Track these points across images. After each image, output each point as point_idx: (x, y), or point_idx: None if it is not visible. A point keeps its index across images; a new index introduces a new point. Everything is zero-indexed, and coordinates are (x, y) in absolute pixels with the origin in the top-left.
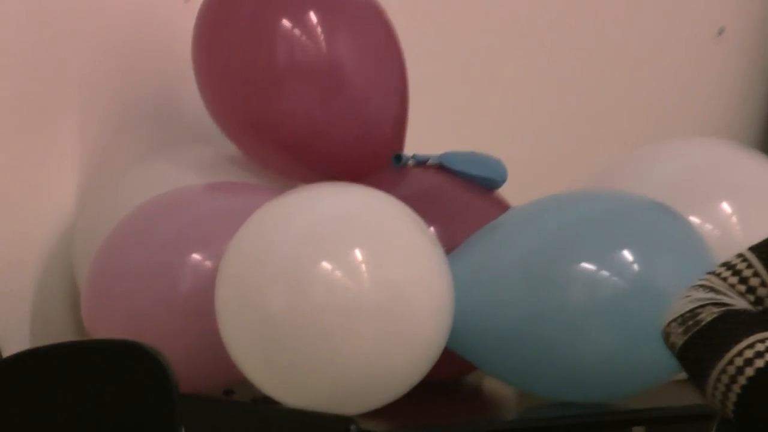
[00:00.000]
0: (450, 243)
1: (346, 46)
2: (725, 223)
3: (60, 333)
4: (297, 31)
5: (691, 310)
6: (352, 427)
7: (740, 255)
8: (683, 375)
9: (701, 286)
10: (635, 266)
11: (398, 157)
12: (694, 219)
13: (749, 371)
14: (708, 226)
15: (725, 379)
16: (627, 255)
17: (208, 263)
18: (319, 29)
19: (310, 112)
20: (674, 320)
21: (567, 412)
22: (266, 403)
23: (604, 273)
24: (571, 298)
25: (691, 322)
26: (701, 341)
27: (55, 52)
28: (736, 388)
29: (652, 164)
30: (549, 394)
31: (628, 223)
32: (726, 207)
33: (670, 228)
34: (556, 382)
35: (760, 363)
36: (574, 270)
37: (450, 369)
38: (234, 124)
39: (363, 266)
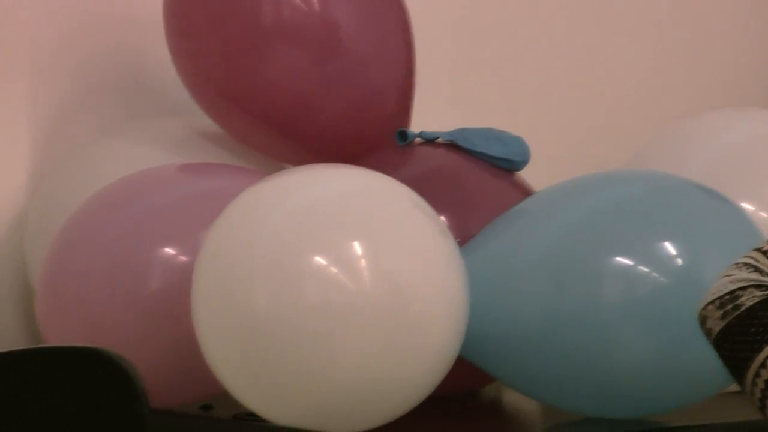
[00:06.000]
0: (463, 233)
1: (341, 2)
2: None
3: (10, 337)
4: None
5: (731, 292)
6: None
7: None
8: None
9: (745, 264)
10: (678, 259)
11: (403, 134)
12: (744, 204)
13: None
14: (762, 214)
15: (765, 374)
16: (669, 246)
17: (181, 258)
18: None
19: (299, 79)
20: (712, 302)
21: (599, 431)
22: (250, 420)
23: (643, 267)
24: (604, 297)
25: (730, 306)
26: (740, 328)
27: (0, 10)
28: None
29: (695, 141)
30: (578, 409)
31: (670, 210)
32: None
33: (718, 215)
34: (586, 395)
35: None
36: (608, 264)
37: (463, 380)
38: (211, 93)
39: (361, 260)
